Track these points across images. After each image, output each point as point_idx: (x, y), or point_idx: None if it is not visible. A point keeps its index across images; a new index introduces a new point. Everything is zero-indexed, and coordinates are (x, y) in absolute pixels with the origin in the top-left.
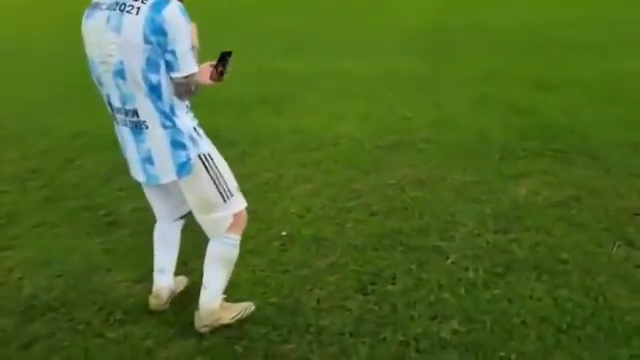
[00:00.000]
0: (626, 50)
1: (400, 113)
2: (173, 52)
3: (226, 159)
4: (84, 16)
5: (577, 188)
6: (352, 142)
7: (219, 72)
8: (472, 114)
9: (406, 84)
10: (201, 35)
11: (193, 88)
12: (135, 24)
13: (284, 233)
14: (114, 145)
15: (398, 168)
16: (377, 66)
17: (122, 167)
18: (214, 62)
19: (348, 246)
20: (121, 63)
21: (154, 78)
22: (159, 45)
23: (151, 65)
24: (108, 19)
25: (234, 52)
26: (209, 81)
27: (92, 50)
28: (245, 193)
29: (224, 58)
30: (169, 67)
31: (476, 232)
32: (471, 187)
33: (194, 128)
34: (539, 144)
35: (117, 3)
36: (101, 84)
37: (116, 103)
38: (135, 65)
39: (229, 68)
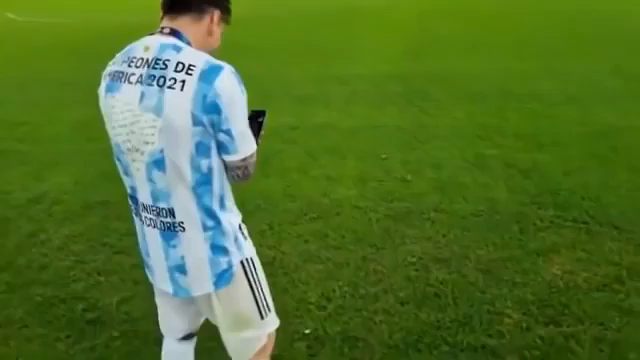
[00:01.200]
0: (605, 104)
1: (398, 175)
2: (229, 132)
3: None
4: (102, 88)
5: (614, 267)
6: (355, 211)
7: (254, 137)
8: (474, 176)
9: (394, 139)
10: None
11: (251, 170)
12: (181, 103)
13: (307, 331)
14: (85, 210)
15: (414, 243)
16: (357, 117)
17: (98, 241)
18: None
19: (385, 347)
20: (161, 152)
21: (204, 164)
22: (212, 125)
23: (201, 150)
24: (142, 96)
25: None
26: None
27: (119, 134)
28: None
29: (256, 119)
30: (222, 149)
31: (524, 325)
32: (499, 266)
33: (239, 226)
34: (555, 213)
35: (153, 76)
36: (127, 174)
37: (144, 199)
38: (181, 153)
39: (263, 133)
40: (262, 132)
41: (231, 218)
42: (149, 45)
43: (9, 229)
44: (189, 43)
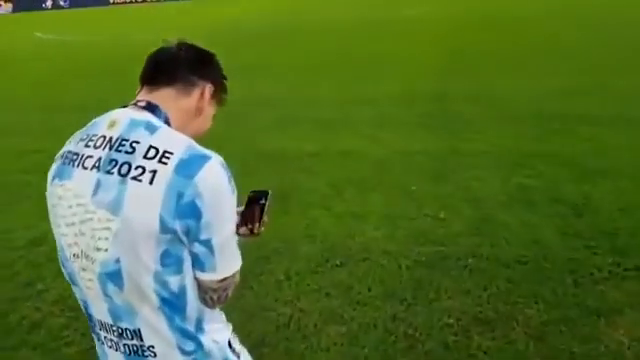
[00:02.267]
0: None
1: (430, 211)
2: (207, 243)
3: None
4: (51, 172)
5: None
6: (383, 256)
7: (253, 224)
8: (517, 213)
9: (425, 168)
10: None
11: (231, 292)
12: (147, 200)
13: None
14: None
15: (451, 298)
16: (384, 143)
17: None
18: (242, 207)
19: None
20: (117, 262)
21: (174, 282)
22: (186, 233)
23: (170, 264)
24: (97, 187)
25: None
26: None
27: (64, 235)
28: (258, 344)
29: (257, 201)
30: (196, 264)
31: None
32: (553, 331)
33: (229, 343)
34: (614, 260)
35: (115, 162)
36: (75, 284)
37: (102, 317)
38: (141, 266)
39: (265, 218)
40: (265, 218)
41: (216, 335)
42: (116, 120)
43: (6, 277)
44: (168, 122)
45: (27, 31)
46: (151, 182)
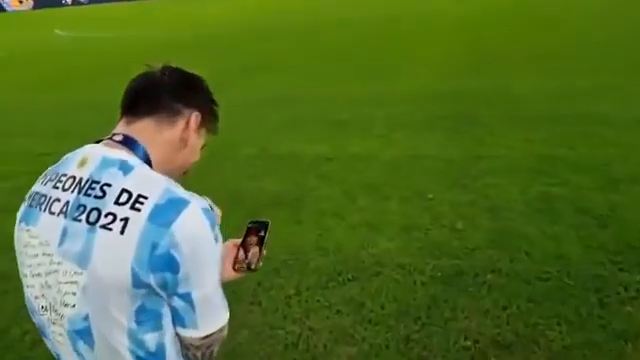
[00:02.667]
0: None
1: (447, 222)
2: (187, 297)
3: (231, 304)
4: (19, 213)
5: None
6: (397, 271)
7: (252, 259)
8: (539, 224)
9: (441, 174)
10: None
11: (217, 349)
12: (118, 252)
13: None
14: None
15: (468, 318)
16: (399, 146)
17: None
18: (239, 239)
19: None
20: (85, 319)
21: (151, 340)
22: (163, 286)
23: (146, 320)
24: (63, 235)
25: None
26: (231, 275)
27: (31, 286)
28: None
29: (256, 233)
30: (177, 319)
31: None
32: (577, 357)
33: None
34: None
35: (83, 208)
36: (45, 337)
37: None
38: (113, 324)
39: (265, 252)
40: (264, 252)
41: None
42: (87, 158)
43: (9, 289)
44: (147, 158)
45: (47, 28)
46: (122, 231)
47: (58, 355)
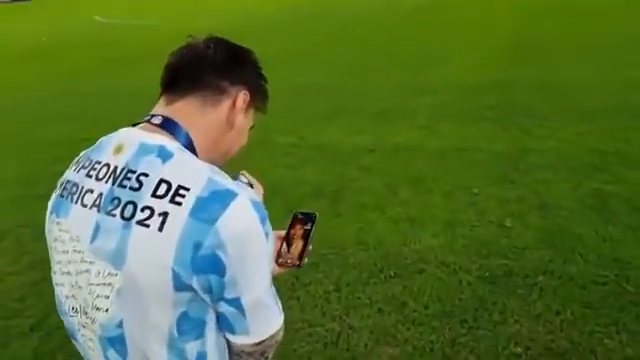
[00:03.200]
0: None
1: (494, 218)
2: (236, 303)
3: None
4: (50, 202)
5: None
6: (442, 269)
7: (296, 255)
8: (594, 223)
9: (488, 168)
10: None
11: (271, 354)
12: (156, 252)
13: None
14: None
15: (518, 322)
16: (445, 137)
17: None
18: (283, 231)
19: None
20: (119, 326)
21: (191, 350)
22: (208, 291)
23: (189, 330)
24: (96, 231)
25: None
26: (274, 269)
27: (61, 284)
28: None
29: (302, 226)
30: (225, 325)
31: None
32: None
33: None
34: None
35: (117, 201)
36: (75, 340)
37: None
38: (151, 331)
39: (310, 248)
40: (309, 247)
41: None
42: (123, 144)
43: (48, 276)
44: (191, 143)
45: (86, 14)
46: (160, 228)
47: (89, 359)
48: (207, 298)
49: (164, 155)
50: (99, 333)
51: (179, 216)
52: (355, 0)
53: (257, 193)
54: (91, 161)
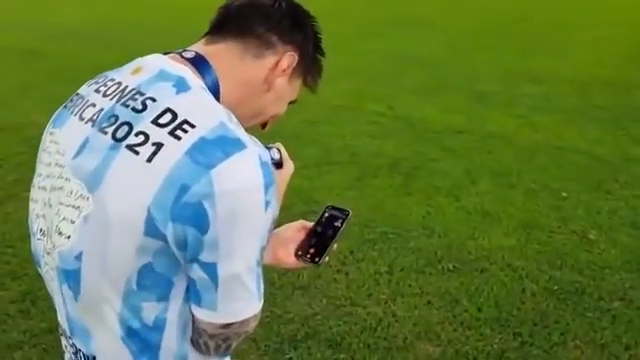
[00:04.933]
0: None
1: (577, 228)
2: (210, 269)
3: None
4: (53, 116)
5: None
6: (506, 272)
7: (318, 251)
8: None
9: (584, 172)
10: None
11: (234, 344)
12: (137, 185)
13: None
14: None
15: (579, 348)
16: (541, 131)
17: None
18: (311, 223)
19: None
20: (77, 258)
21: (149, 311)
22: (182, 246)
23: (150, 285)
24: (82, 146)
25: None
26: (291, 261)
27: (35, 200)
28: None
29: (332, 222)
30: (192, 293)
31: None
32: None
33: None
34: None
35: (115, 119)
36: (39, 266)
37: (61, 320)
38: (107, 278)
39: (334, 246)
40: (334, 245)
41: None
42: (142, 67)
43: None
44: (216, 88)
45: None
46: (150, 159)
47: (51, 291)
48: (179, 255)
49: (181, 86)
50: (57, 262)
51: (174, 151)
52: None
53: (283, 173)
54: (106, 77)
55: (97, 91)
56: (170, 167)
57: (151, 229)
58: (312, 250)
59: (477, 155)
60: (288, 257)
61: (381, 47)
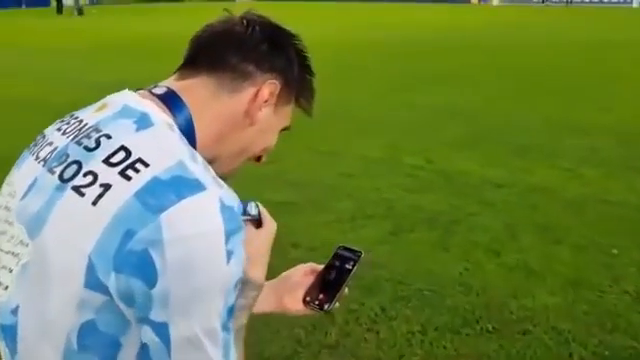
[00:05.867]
0: None
1: (632, 289)
2: (162, 330)
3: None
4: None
5: None
6: (552, 335)
7: (328, 297)
8: None
9: (634, 228)
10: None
11: None
12: (79, 229)
13: None
14: None
15: None
16: (588, 184)
17: None
18: (320, 265)
19: None
20: (14, 312)
21: None
22: (128, 301)
23: (92, 345)
24: (30, 187)
25: None
26: (299, 308)
27: None
28: None
29: (343, 265)
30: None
31: None
32: None
33: None
34: None
35: (65, 157)
36: None
37: None
38: (46, 336)
39: (347, 289)
40: (346, 290)
41: None
42: (109, 103)
43: None
44: (190, 126)
45: None
46: (95, 202)
47: None
48: (127, 313)
49: (143, 123)
50: None
51: (122, 193)
52: (517, 35)
53: (263, 233)
54: (71, 116)
55: (59, 129)
56: (116, 210)
57: (92, 281)
58: (321, 296)
59: (518, 209)
60: (295, 304)
61: (416, 100)
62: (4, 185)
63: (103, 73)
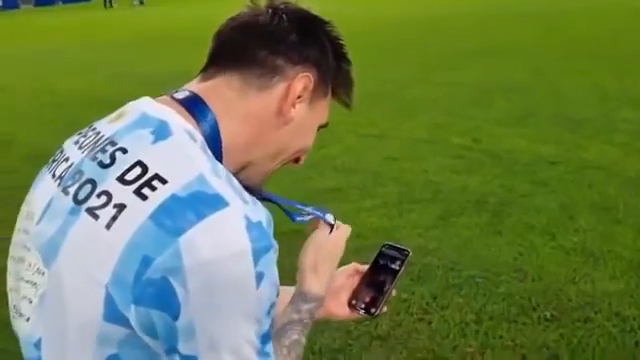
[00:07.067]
0: None
1: None
2: None
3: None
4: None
5: None
6: (615, 322)
7: (375, 300)
8: None
9: None
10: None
11: None
12: (93, 257)
13: None
14: None
15: None
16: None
17: None
18: (365, 265)
19: None
20: (36, 346)
21: None
22: (151, 334)
23: None
24: (46, 210)
25: None
26: (345, 312)
27: (9, 272)
28: None
29: (388, 264)
30: None
31: None
32: None
33: None
34: None
35: (79, 175)
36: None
37: None
38: None
39: (394, 290)
40: (393, 291)
41: None
42: (125, 112)
43: None
44: (215, 132)
45: None
46: (109, 225)
47: None
48: (154, 345)
49: (160, 133)
50: (23, 348)
51: (137, 214)
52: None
53: (334, 237)
54: (89, 127)
55: (76, 143)
56: (131, 234)
57: (112, 313)
58: (367, 299)
59: (574, 188)
60: (341, 309)
61: (462, 77)
62: (24, 204)
63: (164, 64)
